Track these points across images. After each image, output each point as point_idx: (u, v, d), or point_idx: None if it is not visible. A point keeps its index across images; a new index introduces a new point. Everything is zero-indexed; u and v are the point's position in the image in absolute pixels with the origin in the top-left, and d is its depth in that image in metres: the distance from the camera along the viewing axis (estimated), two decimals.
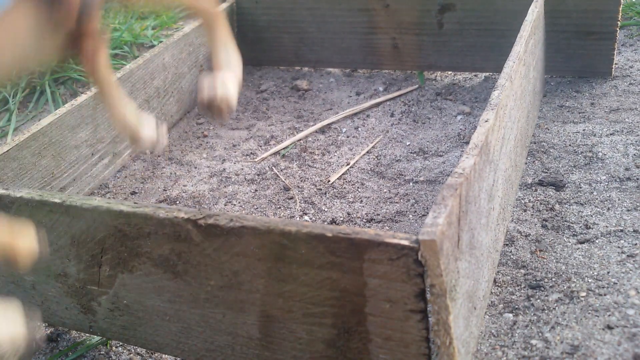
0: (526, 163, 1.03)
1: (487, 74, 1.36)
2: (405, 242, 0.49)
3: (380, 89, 1.37)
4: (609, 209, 0.89)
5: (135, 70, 1.17)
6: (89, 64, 0.70)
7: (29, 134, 0.96)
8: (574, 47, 1.23)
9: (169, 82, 1.28)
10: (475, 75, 1.38)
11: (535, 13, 1.02)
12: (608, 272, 0.78)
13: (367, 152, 1.13)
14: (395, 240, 0.49)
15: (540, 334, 0.70)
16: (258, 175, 1.10)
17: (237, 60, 0.65)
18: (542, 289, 0.77)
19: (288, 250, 0.54)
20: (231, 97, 0.62)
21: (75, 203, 0.63)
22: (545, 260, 0.81)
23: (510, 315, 0.74)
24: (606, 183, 0.95)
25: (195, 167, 1.15)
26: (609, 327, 0.70)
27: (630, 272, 0.77)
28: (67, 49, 0.64)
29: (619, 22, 1.18)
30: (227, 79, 0.62)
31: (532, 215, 0.91)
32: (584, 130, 1.09)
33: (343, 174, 1.08)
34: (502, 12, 1.23)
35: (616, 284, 0.76)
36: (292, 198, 1.02)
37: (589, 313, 0.72)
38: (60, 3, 0.56)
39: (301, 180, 1.07)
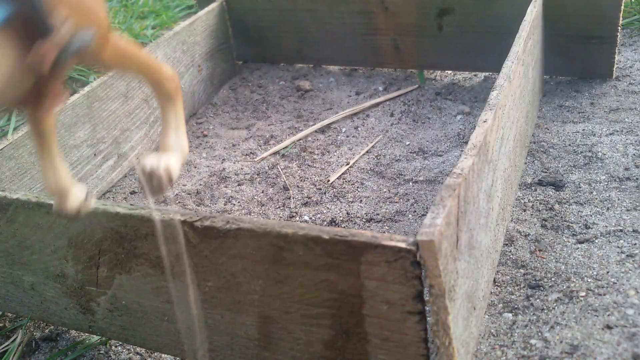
0: (526, 163, 1.03)
1: (487, 73, 1.36)
2: (402, 245, 0.48)
3: (380, 88, 1.36)
4: (608, 208, 0.89)
5: None
6: (37, 119, 0.59)
7: (23, 132, 0.95)
8: (574, 51, 1.23)
9: None
10: (475, 75, 1.37)
11: (533, 13, 1.02)
12: (607, 272, 0.78)
13: (367, 151, 1.13)
14: (392, 243, 0.49)
15: (539, 334, 0.70)
16: (258, 175, 1.10)
17: (186, 143, 0.62)
18: (542, 288, 0.77)
19: (285, 252, 0.54)
20: (174, 171, 0.59)
21: None
22: (544, 260, 0.81)
23: (510, 315, 0.74)
24: (606, 183, 0.95)
25: (195, 167, 1.15)
26: (609, 327, 0.70)
27: (630, 272, 0.77)
28: (24, 97, 0.56)
29: (619, 28, 1.17)
30: (173, 158, 0.60)
31: (531, 215, 0.90)
32: (583, 130, 1.09)
33: (343, 174, 1.07)
34: (502, 16, 1.23)
35: (615, 283, 0.76)
36: (291, 198, 1.02)
37: (589, 313, 0.72)
38: (41, 43, 0.52)
39: (301, 180, 1.07)
